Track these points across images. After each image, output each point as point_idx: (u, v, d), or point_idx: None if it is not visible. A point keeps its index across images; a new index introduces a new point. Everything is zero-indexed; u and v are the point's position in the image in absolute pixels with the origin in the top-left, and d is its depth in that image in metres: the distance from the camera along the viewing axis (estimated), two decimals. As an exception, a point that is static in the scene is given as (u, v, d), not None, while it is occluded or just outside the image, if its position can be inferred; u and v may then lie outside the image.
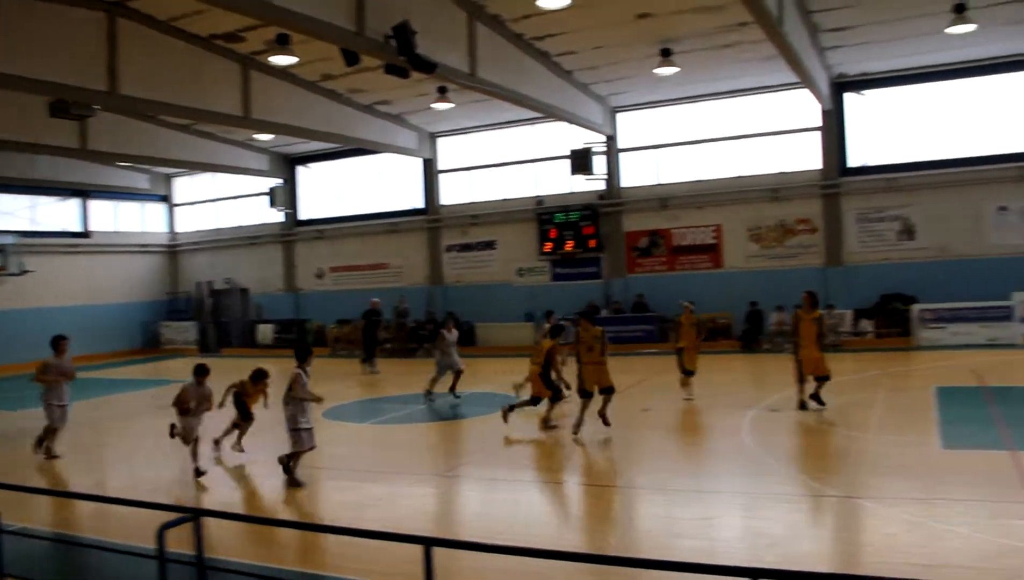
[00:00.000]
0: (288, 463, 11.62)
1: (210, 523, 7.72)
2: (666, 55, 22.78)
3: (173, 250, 39.58)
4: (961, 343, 23.67)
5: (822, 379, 15.03)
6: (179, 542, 6.83)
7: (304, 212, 36.46)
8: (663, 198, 29.08)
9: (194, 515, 6.65)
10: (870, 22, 21.59)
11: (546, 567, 7.19)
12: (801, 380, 15.11)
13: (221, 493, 11.62)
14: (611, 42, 22.41)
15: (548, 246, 30.42)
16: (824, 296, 25.86)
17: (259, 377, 13.57)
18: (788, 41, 18.28)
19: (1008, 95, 25.45)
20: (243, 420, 13.55)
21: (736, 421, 14.42)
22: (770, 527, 9.15)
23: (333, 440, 14.64)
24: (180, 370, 24.89)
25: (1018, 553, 7.71)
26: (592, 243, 29.76)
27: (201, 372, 12.67)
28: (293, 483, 11.46)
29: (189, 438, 12.25)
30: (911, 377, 19.95)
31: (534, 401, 15.32)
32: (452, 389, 18.70)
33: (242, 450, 13.32)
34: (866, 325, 25.79)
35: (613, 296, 29.49)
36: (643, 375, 20.49)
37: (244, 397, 13.51)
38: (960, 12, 19.97)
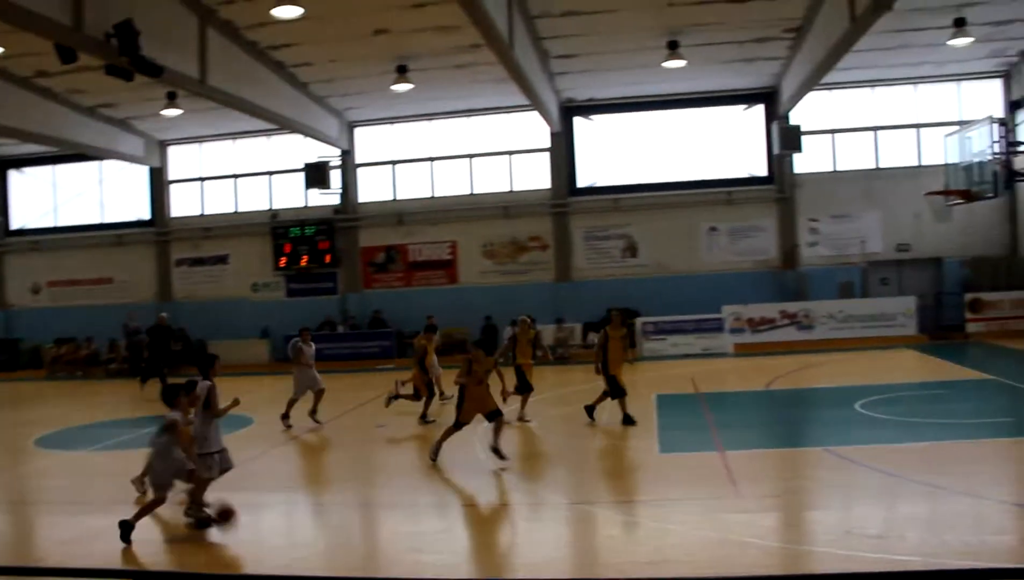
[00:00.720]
0: (196, 502, 9.81)
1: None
2: (402, 72, 23.04)
3: None
4: (680, 353, 25.44)
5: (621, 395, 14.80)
6: None
7: (17, 221, 33.60)
8: (399, 214, 29.31)
9: None
10: (595, 51, 22.92)
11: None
12: (614, 395, 14.76)
13: None
14: (347, 56, 22.40)
15: (283, 261, 29.85)
16: (554, 311, 27.10)
17: (191, 388, 11.27)
18: (518, 64, 19.02)
19: (717, 126, 27.95)
20: None
21: (467, 434, 14.70)
22: (504, 537, 9.42)
23: (48, 471, 13.60)
24: None
25: (726, 544, 8.36)
26: (328, 258, 29.48)
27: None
28: (206, 523, 9.53)
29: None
30: (635, 386, 21.00)
31: (415, 396, 16.19)
32: (313, 412, 16.41)
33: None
34: (594, 338, 26.95)
35: (350, 311, 29.32)
36: (381, 391, 20.31)
37: None
38: (674, 49, 21.78)
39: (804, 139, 26.27)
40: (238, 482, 12.31)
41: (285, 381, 17.76)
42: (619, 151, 28.60)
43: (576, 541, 9.25)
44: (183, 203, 31.66)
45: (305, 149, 29.10)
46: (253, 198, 30.86)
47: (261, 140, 30.31)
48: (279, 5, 16.74)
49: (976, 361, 21.82)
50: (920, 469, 10.72)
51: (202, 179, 31.40)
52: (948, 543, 8.10)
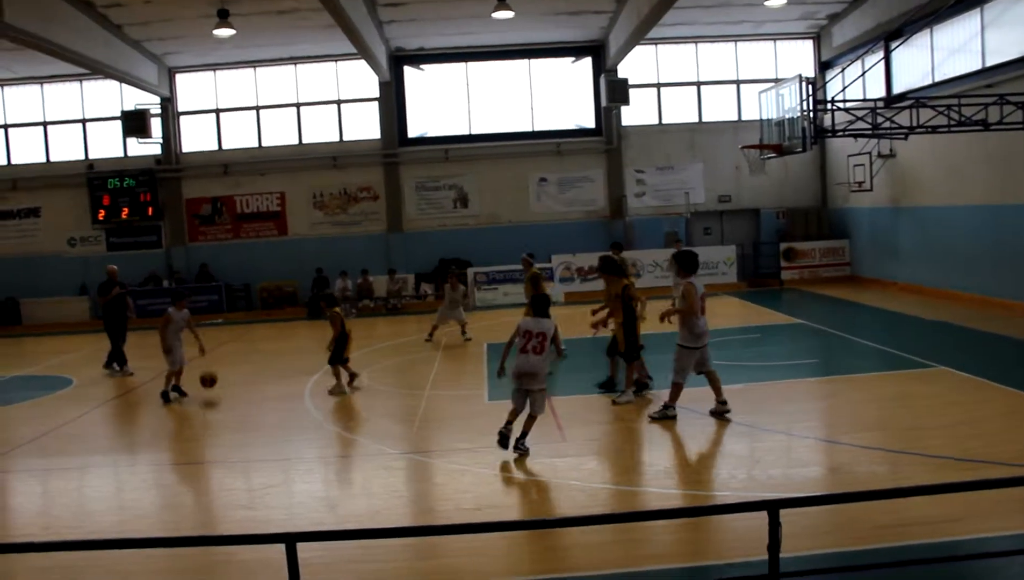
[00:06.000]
0: None
1: None
2: (224, 16, 22.05)
3: None
4: (512, 302, 25.61)
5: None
6: None
7: None
8: (225, 164, 28.26)
9: None
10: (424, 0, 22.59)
11: (104, 557, 6.79)
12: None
13: None
14: (164, -3, 21.25)
15: (102, 214, 28.26)
16: (386, 261, 26.94)
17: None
18: (344, 11, 18.54)
19: (546, 78, 28.23)
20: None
21: (299, 388, 14.51)
22: (329, 489, 9.35)
23: None
24: None
25: (550, 487, 8.57)
26: (151, 211, 28.14)
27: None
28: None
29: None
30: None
31: None
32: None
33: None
34: (426, 289, 27.15)
35: (175, 265, 28.21)
36: (210, 345, 19.65)
37: None
38: (502, 0, 21.61)
39: (631, 92, 26.82)
40: (59, 446, 11.75)
41: (106, 339, 17.16)
42: (450, 102, 28.43)
43: (404, 490, 9.27)
44: (-15, 152, 29.43)
45: (123, 96, 27.61)
46: (66, 147, 28.98)
47: (73, 85, 28.46)
48: (84, -61, 15.59)
49: (789, 306, 23.02)
50: (738, 409, 11.23)
51: (6, 126, 29.22)
52: (755, 477, 8.55)
